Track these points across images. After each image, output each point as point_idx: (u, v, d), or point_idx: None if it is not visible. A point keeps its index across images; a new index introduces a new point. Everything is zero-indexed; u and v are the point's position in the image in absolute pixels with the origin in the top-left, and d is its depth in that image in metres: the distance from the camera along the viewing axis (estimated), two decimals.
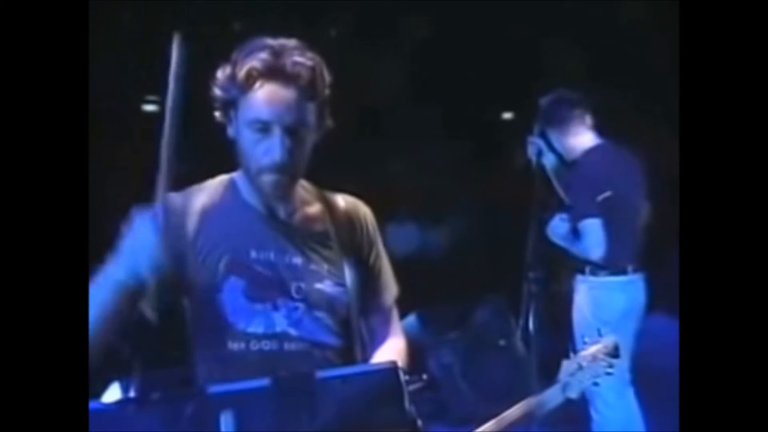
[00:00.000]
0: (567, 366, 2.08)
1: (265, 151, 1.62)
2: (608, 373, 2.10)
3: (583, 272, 3.53)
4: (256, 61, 1.60)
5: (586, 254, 3.43)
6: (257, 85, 1.60)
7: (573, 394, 2.07)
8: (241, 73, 1.61)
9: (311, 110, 1.65)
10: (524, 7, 4.94)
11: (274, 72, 1.60)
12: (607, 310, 3.46)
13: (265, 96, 1.61)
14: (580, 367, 2.07)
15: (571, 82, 3.70)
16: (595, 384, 2.10)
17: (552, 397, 2.04)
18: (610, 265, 3.46)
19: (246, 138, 1.64)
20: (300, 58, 1.62)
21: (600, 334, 2.16)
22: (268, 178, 1.65)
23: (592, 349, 2.11)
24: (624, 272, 3.50)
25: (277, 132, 1.61)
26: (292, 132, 1.62)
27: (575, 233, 3.44)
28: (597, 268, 3.48)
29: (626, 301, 3.50)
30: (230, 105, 1.66)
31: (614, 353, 2.11)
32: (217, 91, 1.67)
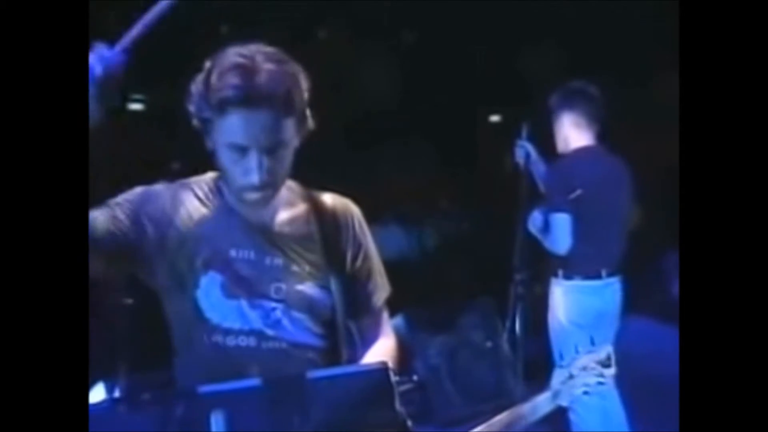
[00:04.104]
0: (558, 374, 2.09)
1: (244, 173, 1.60)
2: (600, 383, 2.10)
3: (556, 275, 3.55)
4: (228, 89, 1.54)
5: (553, 247, 3.45)
6: (231, 110, 1.56)
7: (564, 402, 2.08)
8: (213, 101, 1.57)
9: (289, 126, 1.61)
10: (513, 11, 4.96)
11: (247, 97, 1.55)
12: (580, 314, 3.48)
13: (239, 121, 1.56)
14: (571, 376, 2.08)
15: (559, 86, 3.70)
16: (586, 393, 2.10)
17: (542, 404, 2.05)
18: (579, 266, 3.48)
19: (224, 157, 1.62)
20: (275, 74, 1.57)
21: (593, 344, 2.16)
22: (249, 196, 1.65)
23: (584, 358, 2.12)
24: (598, 277, 3.51)
25: (254, 155, 1.58)
26: (270, 152, 1.60)
27: (546, 226, 3.47)
28: (570, 271, 3.50)
29: (600, 306, 3.51)
30: (206, 122, 1.62)
31: (606, 363, 2.12)
32: (191, 108, 1.63)
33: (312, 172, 1.78)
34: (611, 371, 2.12)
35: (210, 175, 1.78)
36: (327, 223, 1.76)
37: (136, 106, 5.24)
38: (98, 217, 1.61)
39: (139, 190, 1.72)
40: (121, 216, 1.65)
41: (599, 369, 2.10)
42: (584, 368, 2.09)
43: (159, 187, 1.74)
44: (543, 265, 3.65)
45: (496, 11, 4.98)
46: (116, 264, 1.68)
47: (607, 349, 2.14)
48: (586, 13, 5.14)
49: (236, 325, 1.66)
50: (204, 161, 1.79)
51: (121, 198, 1.69)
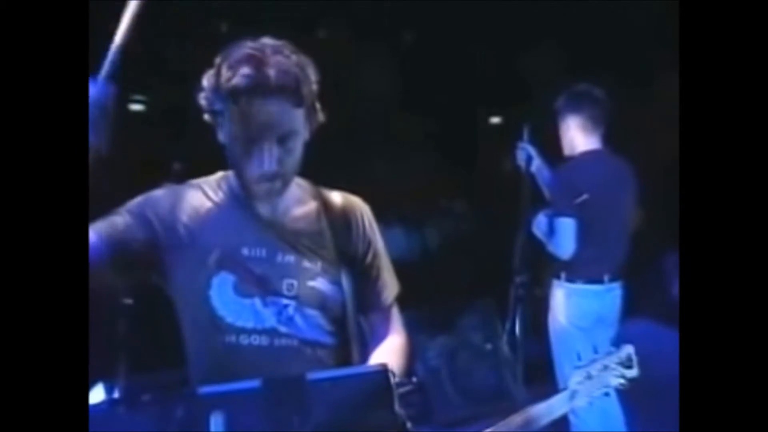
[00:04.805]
0: (576, 375, 2.05)
1: (254, 163, 1.62)
2: (621, 384, 2.06)
3: (558, 277, 3.55)
4: (239, 78, 1.56)
5: (557, 252, 3.46)
6: (242, 100, 1.57)
7: (581, 403, 2.03)
8: (225, 90, 1.58)
9: (299, 116, 1.63)
10: (514, 11, 4.96)
11: (258, 87, 1.57)
12: (581, 317, 3.49)
13: (250, 111, 1.58)
14: (590, 377, 2.04)
15: (561, 87, 3.70)
16: (606, 395, 2.05)
17: (558, 405, 2.00)
18: (582, 269, 3.48)
19: (234, 148, 1.63)
20: (284, 65, 1.59)
21: (613, 344, 2.12)
22: (260, 187, 1.66)
23: (605, 359, 2.08)
24: (600, 281, 3.51)
25: (264, 144, 1.60)
26: (281, 141, 1.61)
27: (551, 230, 3.47)
28: (573, 274, 3.50)
29: (600, 310, 3.52)
30: (217, 114, 1.64)
31: (628, 364, 2.08)
32: (203, 102, 1.66)
33: (313, 171, 1.79)
34: (633, 372, 2.08)
35: (219, 175, 1.79)
36: (337, 220, 1.78)
37: (136, 107, 5.24)
38: (105, 228, 1.62)
39: (141, 196, 1.72)
40: (129, 221, 1.66)
41: (620, 370, 2.06)
42: (605, 368, 2.05)
43: (162, 190, 1.75)
44: (543, 268, 3.65)
45: (497, 12, 4.97)
46: (132, 273, 1.70)
47: (628, 350, 2.10)
48: (587, 13, 5.13)
49: (249, 324, 1.67)
50: (206, 161, 1.79)
51: (123, 207, 1.69)
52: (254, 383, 1.37)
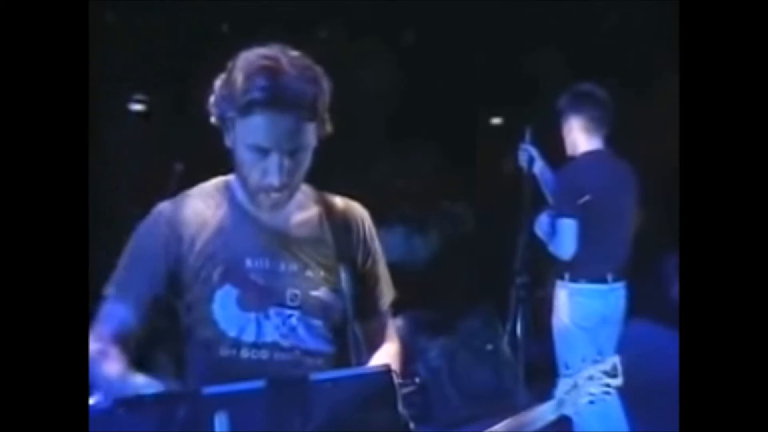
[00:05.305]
0: (563, 384, 2.07)
1: (263, 174, 1.61)
2: (606, 393, 2.09)
3: (562, 278, 3.55)
4: (255, 91, 1.55)
5: (557, 252, 3.46)
6: (256, 111, 1.56)
7: (568, 412, 2.06)
8: (240, 102, 1.56)
9: (311, 130, 1.62)
10: (515, 13, 4.96)
11: (274, 99, 1.55)
12: (585, 317, 3.49)
13: (263, 123, 1.57)
14: (576, 386, 2.06)
15: (562, 88, 3.70)
16: (591, 402, 2.08)
17: (546, 413, 2.03)
18: (585, 269, 3.48)
19: (243, 156, 1.62)
20: (301, 79, 1.57)
21: (599, 353, 2.15)
22: (265, 198, 1.65)
23: (590, 368, 2.10)
24: (604, 281, 3.52)
25: (275, 156, 1.59)
26: (292, 154, 1.60)
27: (552, 230, 3.47)
28: (576, 275, 3.50)
29: (604, 310, 3.52)
30: (227, 121, 1.62)
31: (613, 373, 2.10)
32: (213, 107, 1.64)
33: (313, 173, 1.78)
34: (617, 381, 2.11)
35: (218, 180, 1.77)
36: (338, 226, 1.77)
37: (137, 107, 5.23)
38: (133, 301, 1.64)
39: (144, 235, 1.71)
40: (146, 281, 1.66)
41: (605, 379, 2.08)
42: (590, 378, 2.08)
43: (165, 204, 1.73)
44: (546, 269, 3.65)
45: (498, 13, 4.97)
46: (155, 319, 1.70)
47: (613, 360, 2.13)
48: (588, 14, 5.14)
49: (251, 338, 1.66)
50: (207, 162, 1.78)
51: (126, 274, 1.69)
52: (258, 384, 1.37)
